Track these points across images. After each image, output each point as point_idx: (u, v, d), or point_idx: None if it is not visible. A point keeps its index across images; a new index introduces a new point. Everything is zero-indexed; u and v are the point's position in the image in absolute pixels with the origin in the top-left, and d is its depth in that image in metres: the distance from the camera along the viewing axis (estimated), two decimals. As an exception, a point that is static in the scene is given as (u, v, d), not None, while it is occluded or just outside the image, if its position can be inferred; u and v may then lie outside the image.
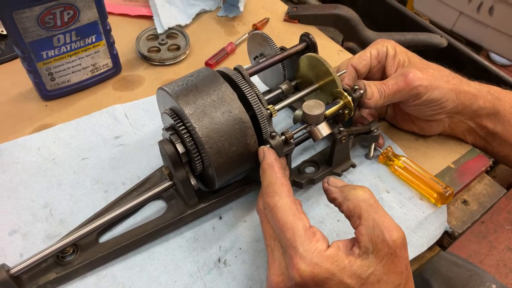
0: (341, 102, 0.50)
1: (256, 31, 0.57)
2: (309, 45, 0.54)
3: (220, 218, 0.52)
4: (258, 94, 0.49)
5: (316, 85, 0.53)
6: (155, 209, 0.52)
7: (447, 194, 0.54)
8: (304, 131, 0.50)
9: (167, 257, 0.49)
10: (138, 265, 0.48)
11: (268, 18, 0.80)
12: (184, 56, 0.72)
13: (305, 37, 0.54)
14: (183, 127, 0.44)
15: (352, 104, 0.50)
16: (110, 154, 0.58)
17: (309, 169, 0.54)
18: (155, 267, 0.48)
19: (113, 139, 0.59)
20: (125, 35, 0.74)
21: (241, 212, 0.53)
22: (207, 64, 0.70)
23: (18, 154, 0.57)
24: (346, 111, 0.50)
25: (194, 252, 0.49)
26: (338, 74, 0.54)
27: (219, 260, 0.49)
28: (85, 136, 0.60)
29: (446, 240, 0.56)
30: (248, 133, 0.45)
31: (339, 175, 0.53)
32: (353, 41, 0.82)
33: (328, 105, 0.50)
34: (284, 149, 0.47)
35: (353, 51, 0.80)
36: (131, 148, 0.59)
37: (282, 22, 0.81)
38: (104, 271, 0.47)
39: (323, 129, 0.48)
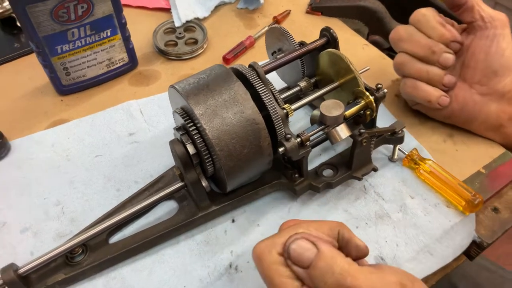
0: (362, 102, 0.47)
1: (274, 25, 0.54)
2: (330, 40, 0.51)
3: (233, 221, 0.50)
4: (274, 92, 0.47)
5: (337, 83, 0.50)
6: (167, 209, 0.51)
7: (476, 202, 0.50)
8: (322, 132, 0.47)
9: (177, 260, 0.47)
10: (148, 268, 0.47)
11: (290, 10, 0.77)
12: (202, 50, 0.70)
13: (325, 32, 0.51)
14: (194, 127, 0.42)
15: (374, 105, 0.46)
16: (123, 151, 0.57)
17: (327, 172, 0.51)
18: (164, 271, 0.46)
19: (127, 136, 0.58)
20: (143, 28, 0.72)
21: (255, 216, 0.51)
22: (224, 58, 0.68)
23: (32, 149, 0.57)
24: (368, 112, 0.47)
25: (205, 256, 0.48)
26: (360, 71, 0.51)
27: (230, 266, 0.47)
28: (99, 133, 0.59)
29: (473, 250, 0.52)
30: (262, 135, 0.42)
31: (359, 179, 0.50)
32: (379, 34, 0.77)
33: (348, 105, 0.47)
34: (300, 152, 0.44)
35: (379, 45, 0.76)
36: (145, 146, 0.57)
37: (304, 14, 0.78)
38: (113, 272, 0.46)
39: (342, 131, 0.45)
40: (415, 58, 0.55)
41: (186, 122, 0.43)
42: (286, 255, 0.35)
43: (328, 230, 0.38)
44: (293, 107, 0.48)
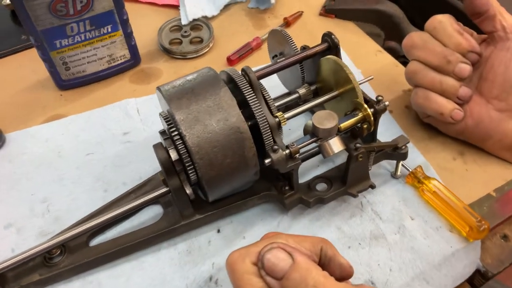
0: (360, 115, 0.44)
1: (275, 28, 0.52)
2: (331, 46, 0.47)
3: (219, 231, 0.48)
4: (267, 99, 0.44)
5: (336, 92, 0.47)
6: (152, 214, 0.49)
7: (481, 229, 0.46)
8: (315, 144, 0.44)
9: (156, 269, 0.45)
10: (126, 274, 0.45)
11: (302, 12, 0.74)
12: (207, 50, 0.68)
13: (326, 37, 0.48)
14: (176, 133, 0.40)
15: (372, 118, 0.43)
16: (116, 150, 0.55)
17: (321, 186, 0.48)
18: (142, 279, 0.45)
19: (121, 135, 0.57)
20: (150, 25, 0.71)
21: (241, 228, 0.48)
22: (228, 59, 0.66)
23: (26, 144, 0.56)
24: (365, 126, 0.44)
25: (185, 266, 0.46)
26: (362, 81, 0.47)
27: (210, 279, 0.45)
28: (94, 130, 0.58)
29: (477, 279, 0.48)
30: (246, 145, 0.40)
31: (354, 196, 0.47)
32: (396, 40, 0.73)
33: (344, 117, 0.44)
34: (288, 164, 0.42)
35: (394, 52, 0.72)
36: (138, 146, 0.56)
37: (317, 16, 0.74)
38: (91, 276, 0.45)
39: (335, 145, 0.42)
40: (428, 67, 0.51)
41: (169, 127, 0.41)
42: (260, 264, 0.33)
43: (310, 245, 0.36)
44: (286, 115, 0.45)
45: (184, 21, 0.70)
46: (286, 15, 0.73)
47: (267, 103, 0.44)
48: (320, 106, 0.49)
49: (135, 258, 0.46)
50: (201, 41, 0.68)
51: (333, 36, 0.47)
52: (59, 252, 0.45)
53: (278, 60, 0.49)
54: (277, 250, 0.33)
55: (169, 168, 0.42)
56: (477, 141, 0.54)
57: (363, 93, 0.46)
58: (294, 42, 0.49)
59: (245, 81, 0.42)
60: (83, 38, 0.58)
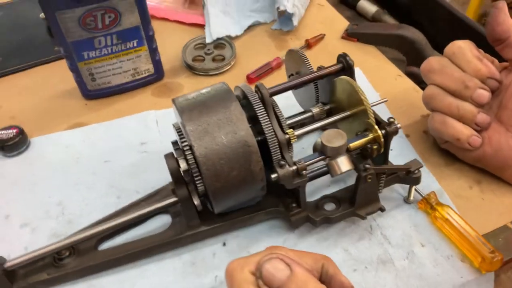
0: (370, 136, 0.43)
1: (292, 48, 0.53)
2: (345, 67, 0.48)
3: (224, 244, 0.48)
4: (279, 116, 0.45)
5: (348, 113, 0.47)
6: (161, 223, 0.50)
7: (494, 260, 0.44)
8: (323, 163, 0.44)
9: (157, 278, 0.46)
10: (129, 281, 0.46)
11: (324, 34, 0.75)
12: (228, 68, 0.70)
13: (341, 58, 0.48)
14: (186, 143, 0.41)
15: (382, 140, 0.43)
16: (132, 160, 0.57)
17: (329, 206, 0.48)
18: (144, 287, 0.45)
19: (138, 145, 0.59)
20: (176, 42, 0.74)
21: (247, 242, 0.48)
22: (248, 77, 0.67)
23: (47, 148, 0.59)
24: (375, 147, 0.43)
25: (188, 277, 0.46)
26: (376, 102, 0.47)
27: (211, 292, 0.45)
28: (113, 139, 0.60)
29: (490, 314, 0.46)
30: (253, 159, 0.40)
31: (362, 217, 0.46)
32: (418, 65, 0.73)
33: (354, 137, 0.44)
34: (295, 181, 0.42)
35: (415, 77, 0.71)
36: (154, 156, 0.57)
37: (339, 39, 0.75)
38: (95, 280, 0.46)
39: (343, 164, 0.42)
40: (446, 92, 0.51)
41: (180, 137, 0.42)
42: (258, 274, 0.33)
43: (311, 261, 0.36)
44: (297, 133, 0.45)
45: (208, 40, 0.72)
46: (308, 37, 0.74)
47: (278, 120, 0.45)
48: (333, 125, 0.49)
49: (139, 266, 0.47)
50: (223, 59, 0.70)
51: (347, 58, 0.47)
52: (68, 253, 0.46)
53: (291, 78, 0.50)
54: (275, 260, 0.33)
55: (178, 177, 0.43)
56: (495, 169, 0.52)
57: (376, 114, 0.46)
58: (309, 62, 0.50)
59: (257, 97, 0.42)
60: (109, 51, 0.60)
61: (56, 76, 0.69)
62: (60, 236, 0.49)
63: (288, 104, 0.57)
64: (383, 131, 0.44)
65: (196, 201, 0.45)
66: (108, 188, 0.54)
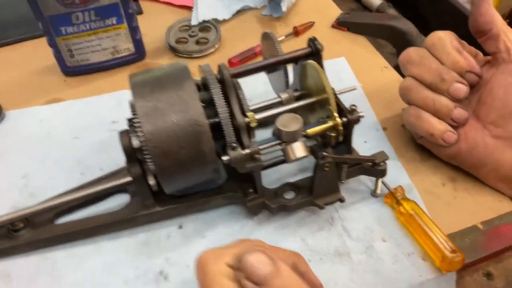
0: (330, 123, 0.42)
1: (265, 31, 0.51)
2: (313, 51, 0.46)
3: (180, 227, 0.48)
4: (240, 99, 0.44)
5: (314, 99, 0.46)
6: (121, 201, 0.49)
7: (455, 260, 0.42)
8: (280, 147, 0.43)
9: (110, 256, 0.45)
10: (81, 257, 0.45)
11: (313, 22, 0.73)
12: (212, 51, 0.69)
13: (310, 42, 0.46)
14: (137, 120, 0.40)
15: (341, 128, 0.41)
16: (101, 137, 0.57)
17: (289, 194, 0.46)
18: (95, 263, 0.45)
19: (109, 123, 0.58)
20: (163, 23, 0.72)
21: (203, 226, 0.47)
22: (230, 61, 0.66)
23: (22, 122, 0.59)
24: (333, 134, 0.42)
25: (140, 257, 0.45)
26: (344, 90, 0.46)
27: (160, 273, 0.44)
28: (86, 116, 0.59)
29: (450, 317, 0.44)
30: (203, 138, 0.39)
31: (320, 207, 0.45)
32: (409, 59, 0.70)
33: (314, 123, 0.42)
34: (248, 165, 0.40)
35: (404, 70, 0.69)
36: (124, 135, 0.57)
37: (329, 28, 0.73)
38: (49, 253, 0.46)
39: (298, 150, 0.40)
40: (422, 85, 0.49)
41: (133, 114, 0.41)
42: (238, 265, 0.31)
43: (284, 257, 0.34)
44: (258, 117, 0.44)
45: (194, 22, 0.71)
46: (297, 24, 0.72)
47: (239, 102, 0.43)
48: (301, 112, 0.47)
49: (95, 243, 0.47)
50: (208, 42, 0.69)
51: (316, 42, 0.46)
52: (23, 225, 0.46)
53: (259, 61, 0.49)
54: (259, 253, 0.31)
55: (131, 155, 0.42)
56: (470, 167, 0.50)
57: (341, 102, 0.44)
58: (279, 44, 0.48)
59: (214, 77, 0.41)
60: (87, 27, 0.60)
61: (39, 52, 0.69)
62: (19, 208, 0.49)
63: (269, 90, 0.56)
64: (344, 119, 0.42)
65: (152, 181, 0.44)
66: (74, 164, 0.54)
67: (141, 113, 0.38)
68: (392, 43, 0.70)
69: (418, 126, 0.50)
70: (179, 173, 0.40)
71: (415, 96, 0.49)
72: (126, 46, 0.64)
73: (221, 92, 0.41)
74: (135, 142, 0.41)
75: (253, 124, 0.44)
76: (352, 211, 0.48)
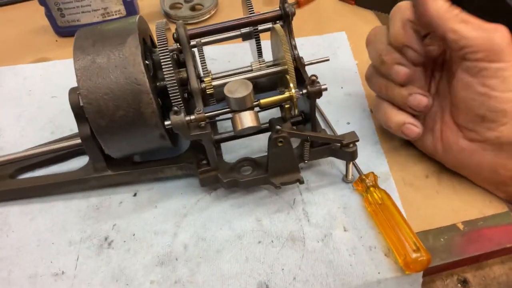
0: (286, 94, 0.38)
1: (244, -9, 0.47)
2: (282, 15, 0.42)
3: (135, 195, 0.46)
4: (197, 62, 0.40)
5: (279, 68, 0.42)
6: (82, 163, 0.48)
7: (419, 260, 0.37)
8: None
9: (60, 216, 0.44)
10: (33, 214, 0.45)
11: (319, -7, 0.67)
12: (207, 17, 0.66)
13: (280, 4, 0.42)
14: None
15: (296, 100, 0.37)
16: (78, 98, 0.56)
17: (246, 170, 0.43)
18: (45, 222, 0.44)
19: (89, 85, 0.57)
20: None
21: (158, 196, 0.45)
22: (221, 30, 0.62)
23: (5, 79, 0.59)
24: (287, 106, 0.38)
25: (88, 221, 0.44)
26: (309, 61, 0.41)
27: (105, 239, 0.42)
28: (67, 77, 0.57)
29: (413, 323, 0.39)
30: (143, 99, 0.37)
31: (276, 186, 0.41)
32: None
33: (268, 93, 0.38)
34: (193, 132, 0.37)
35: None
36: (101, 99, 0.55)
37: (335, 0, 0.67)
38: (3, 208, 0.46)
39: (246, 119, 0.37)
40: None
41: (79, 69, 0.39)
42: None
43: None
44: (215, 83, 0.41)
45: (192, -13, 0.68)
46: (301, -6, 0.67)
47: (195, 66, 0.40)
48: (267, 81, 0.44)
49: (48, 201, 0.46)
50: (203, 8, 0.66)
51: (286, 4, 0.41)
52: (-19, 178, 0.46)
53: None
54: None
55: (78, 113, 0.40)
56: (452, 167, 0.44)
57: (305, 72, 0.40)
58: (251, 6, 0.44)
59: (164, 37, 0.38)
60: (76, -14, 0.59)
61: (37, 12, 0.69)
62: (-13, 162, 0.50)
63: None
64: (304, 91, 0.38)
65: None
66: (46, 123, 0.53)
67: (78, 66, 0.36)
68: (403, 19, 0.63)
69: (378, 118, 0.45)
70: (118, 135, 0.38)
71: (373, 84, 0.44)
72: (117, 8, 0.63)
73: (167, 52, 0.37)
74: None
75: (210, 90, 0.41)
76: (317, 195, 0.44)
